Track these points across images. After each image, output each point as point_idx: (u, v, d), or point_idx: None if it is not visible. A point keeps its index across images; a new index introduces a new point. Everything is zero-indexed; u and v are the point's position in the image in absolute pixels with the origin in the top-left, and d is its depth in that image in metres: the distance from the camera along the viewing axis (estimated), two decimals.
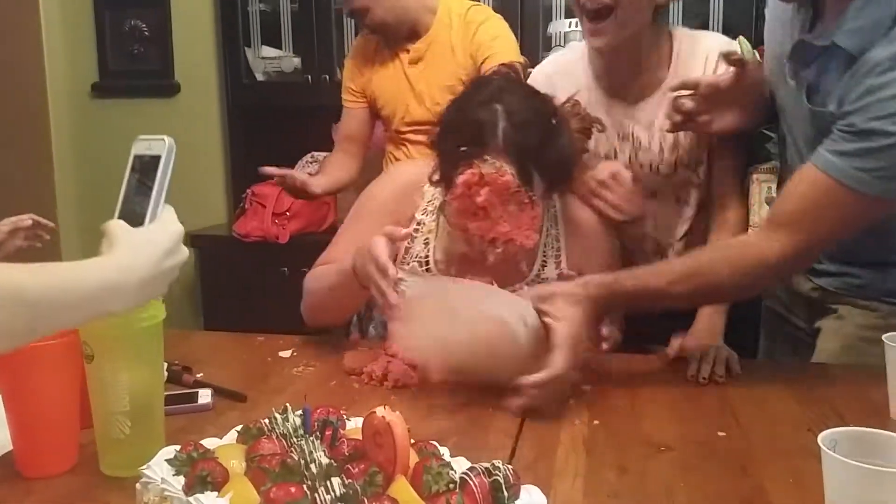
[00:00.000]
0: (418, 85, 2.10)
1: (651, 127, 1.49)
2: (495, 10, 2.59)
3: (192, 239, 2.78)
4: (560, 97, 1.39)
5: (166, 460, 0.78)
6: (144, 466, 0.79)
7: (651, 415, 1.14)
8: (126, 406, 0.93)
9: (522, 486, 0.73)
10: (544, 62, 1.65)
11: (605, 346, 1.25)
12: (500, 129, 1.25)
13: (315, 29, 2.76)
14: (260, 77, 2.91)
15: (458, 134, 1.30)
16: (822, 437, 0.76)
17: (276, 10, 2.83)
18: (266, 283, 2.62)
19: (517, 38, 2.55)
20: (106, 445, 0.96)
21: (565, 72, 1.55)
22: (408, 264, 1.45)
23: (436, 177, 1.36)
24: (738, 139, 1.46)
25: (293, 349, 1.42)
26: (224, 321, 2.55)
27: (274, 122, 2.91)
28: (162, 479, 0.76)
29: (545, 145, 1.27)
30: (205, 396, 1.18)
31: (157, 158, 0.84)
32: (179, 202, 2.86)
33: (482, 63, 2.03)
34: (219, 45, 2.97)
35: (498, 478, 0.68)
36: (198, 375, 1.29)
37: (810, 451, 0.83)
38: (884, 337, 1.11)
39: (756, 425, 1.09)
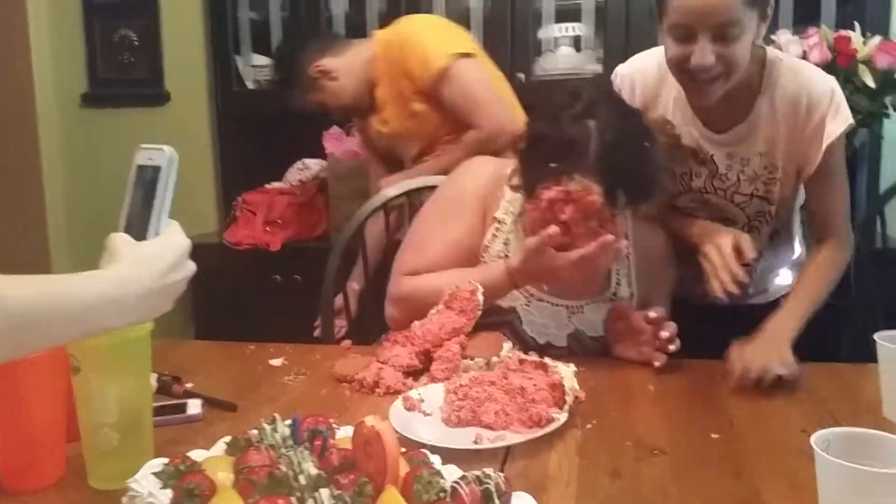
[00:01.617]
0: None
1: (732, 157, 1.46)
2: (486, 17, 2.62)
3: None
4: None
5: (153, 473, 0.77)
6: (131, 480, 0.78)
7: (644, 418, 1.13)
8: (113, 418, 0.93)
9: (514, 494, 0.72)
10: (627, 66, 1.56)
11: (672, 347, 1.29)
12: (591, 148, 1.24)
13: None
14: (250, 85, 2.90)
15: (548, 148, 1.28)
16: (815, 439, 0.76)
17: (265, 17, 2.83)
18: (258, 291, 2.61)
19: (508, 43, 2.57)
20: (93, 458, 0.95)
21: (650, 84, 1.49)
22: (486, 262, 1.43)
23: (515, 181, 1.35)
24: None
25: (284, 357, 1.41)
26: (216, 330, 2.53)
27: (264, 130, 2.90)
28: (149, 492, 0.75)
29: (636, 168, 1.26)
30: (194, 407, 1.17)
31: (158, 170, 0.82)
32: (171, 211, 2.86)
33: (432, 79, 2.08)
34: (208, 53, 2.96)
35: (489, 486, 0.68)
36: (188, 385, 1.28)
37: (804, 453, 0.82)
38: (875, 336, 1.11)
39: (749, 427, 1.08)
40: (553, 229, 1.24)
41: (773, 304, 1.45)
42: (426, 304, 1.36)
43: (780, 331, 1.32)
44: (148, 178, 0.82)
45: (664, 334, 1.30)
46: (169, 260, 0.79)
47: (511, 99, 2.19)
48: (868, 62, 2.13)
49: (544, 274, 1.31)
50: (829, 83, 1.42)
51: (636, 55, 1.57)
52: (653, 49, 1.51)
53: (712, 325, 1.39)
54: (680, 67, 1.33)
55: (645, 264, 1.46)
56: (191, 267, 0.83)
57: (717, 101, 1.37)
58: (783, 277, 1.64)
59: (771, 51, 1.46)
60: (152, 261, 0.78)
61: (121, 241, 0.79)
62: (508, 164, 1.40)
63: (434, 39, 2.10)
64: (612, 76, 1.56)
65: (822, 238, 1.46)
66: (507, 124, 1.99)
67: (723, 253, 1.32)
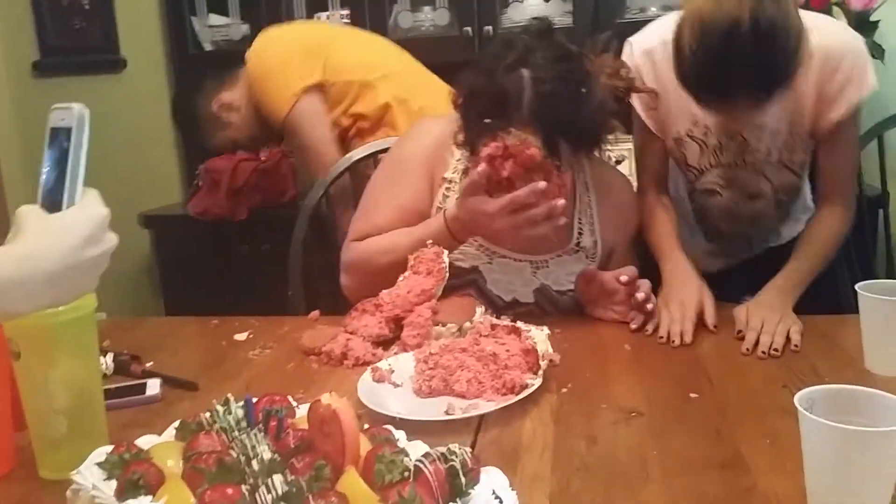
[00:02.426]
0: None
1: (760, 128, 1.40)
2: None
3: (146, 220, 2.68)
4: (665, 82, 1.34)
5: (97, 464, 0.72)
6: (74, 472, 0.73)
7: (621, 379, 1.10)
8: (61, 404, 0.88)
9: (483, 469, 0.68)
10: (644, 38, 1.43)
11: (649, 305, 1.26)
12: (525, 98, 1.20)
13: None
14: (208, 46, 2.80)
15: (482, 102, 1.24)
16: (799, 398, 0.72)
17: None
18: (226, 262, 2.54)
19: None
20: (43, 447, 0.90)
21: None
22: None
23: (460, 138, 1.32)
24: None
25: (250, 331, 1.36)
26: (186, 304, 2.47)
27: None
28: (93, 484, 0.69)
29: (573, 116, 1.22)
30: (153, 387, 1.12)
31: (69, 131, 0.74)
32: (132, 182, 2.78)
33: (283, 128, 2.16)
34: (163, 15, 2.84)
35: (454, 463, 0.63)
36: (147, 364, 1.22)
37: (786, 409, 0.79)
38: (857, 286, 1.08)
39: (729, 384, 1.05)
40: (482, 168, 1.20)
41: (785, 248, 1.45)
42: (375, 267, 1.36)
43: (787, 290, 1.32)
44: (60, 142, 0.73)
45: (640, 295, 1.27)
46: (83, 233, 0.70)
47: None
48: (842, 4, 2.09)
49: (479, 222, 1.25)
50: (853, 43, 1.35)
51: (654, 24, 1.44)
52: (664, 22, 1.38)
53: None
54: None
55: (608, 211, 1.44)
56: (111, 239, 0.74)
57: None
58: (792, 227, 1.59)
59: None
60: (64, 234, 0.69)
61: (28, 213, 0.69)
62: (456, 123, 1.34)
63: (276, 83, 2.13)
64: (626, 48, 1.44)
65: (827, 196, 1.44)
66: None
67: (684, 313, 1.27)
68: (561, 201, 1.21)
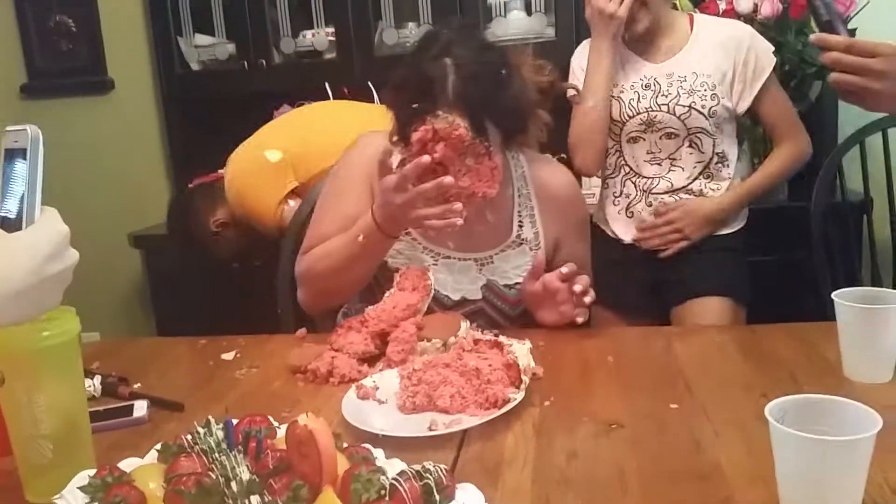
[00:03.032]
0: None
1: (671, 76, 1.79)
2: None
3: (135, 240, 2.70)
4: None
5: (79, 487, 0.73)
6: (56, 496, 0.74)
7: (603, 391, 1.11)
8: (46, 429, 0.88)
9: (458, 486, 0.69)
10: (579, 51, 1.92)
11: (587, 298, 1.30)
12: (449, 82, 1.26)
13: (248, 13, 2.66)
14: (195, 66, 2.82)
15: (409, 91, 1.30)
16: (770, 409, 0.73)
17: None
18: (217, 279, 2.55)
19: (457, 9, 2.51)
20: (28, 472, 0.90)
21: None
22: None
23: (395, 137, 1.35)
24: None
25: (237, 351, 1.37)
26: (177, 322, 2.49)
27: (213, 112, 2.82)
28: None
29: (495, 96, 1.28)
30: (140, 409, 1.13)
31: (24, 152, 0.75)
32: (121, 202, 2.79)
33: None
34: (150, 35, 2.86)
35: (429, 481, 0.64)
36: (135, 386, 1.23)
37: (764, 419, 0.79)
38: (833, 295, 1.09)
39: (709, 395, 1.06)
40: (425, 159, 1.23)
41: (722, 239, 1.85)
42: (318, 273, 1.40)
43: (724, 200, 1.81)
44: (15, 163, 0.74)
45: (577, 288, 1.29)
46: (45, 251, 0.71)
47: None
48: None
49: (386, 201, 1.27)
50: (746, 28, 1.84)
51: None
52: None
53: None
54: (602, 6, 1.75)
55: (548, 203, 1.47)
56: (72, 256, 0.75)
57: (651, 43, 1.82)
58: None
59: (698, 14, 1.94)
60: (26, 253, 0.70)
61: None
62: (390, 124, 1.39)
63: (259, 206, 2.21)
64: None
65: (778, 141, 1.85)
66: None
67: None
68: (448, 178, 1.23)
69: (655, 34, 1.81)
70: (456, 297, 1.42)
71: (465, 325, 1.29)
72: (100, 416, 1.08)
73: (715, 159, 1.81)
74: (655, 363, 1.20)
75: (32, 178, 0.73)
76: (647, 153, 1.82)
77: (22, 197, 0.72)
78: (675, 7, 1.90)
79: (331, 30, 2.64)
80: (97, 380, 1.23)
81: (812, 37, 1.14)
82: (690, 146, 1.80)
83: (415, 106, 1.26)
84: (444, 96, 1.25)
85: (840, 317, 1.08)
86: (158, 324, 2.75)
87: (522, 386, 1.06)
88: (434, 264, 1.42)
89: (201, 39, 2.78)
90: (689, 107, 1.76)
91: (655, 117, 1.78)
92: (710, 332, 1.30)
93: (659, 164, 1.82)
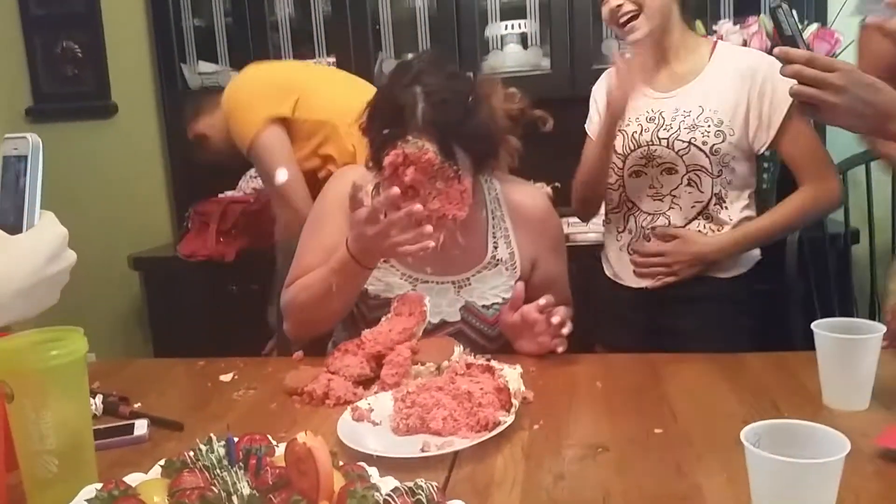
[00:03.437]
0: None
1: (676, 110, 1.67)
2: (432, 16, 2.62)
3: (135, 262, 2.73)
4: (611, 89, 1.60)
5: (87, 500, 0.76)
6: None
7: (590, 416, 1.14)
8: (52, 445, 0.91)
9: (449, 502, 0.73)
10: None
11: (564, 330, 1.34)
12: (419, 109, 1.31)
13: (251, 41, 2.73)
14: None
15: (382, 118, 1.36)
16: (745, 433, 0.77)
17: (210, 24, 2.80)
18: (215, 303, 2.58)
19: (455, 42, 2.58)
20: (34, 487, 0.93)
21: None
22: None
23: (370, 164, 1.40)
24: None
25: (235, 372, 1.40)
26: (174, 345, 2.51)
27: None
28: None
29: (463, 122, 1.34)
30: (140, 428, 1.16)
31: (24, 159, 0.79)
32: (123, 225, 2.83)
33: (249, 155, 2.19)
34: (154, 62, 2.93)
35: (421, 497, 0.68)
36: (136, 405, 1.26)
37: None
38: (812, 325, 1.13)
39: (692, 420, 1.10)
40: (394, 191, 1.27)
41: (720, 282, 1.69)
42: (300, 305, 1.45)
43: (729, 238, 1.66)
44: (16, 170, 0.78)
45: (555, 319, 1.33)
46: (46, 252, 0.76)
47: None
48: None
49: (359, 232, 1.31)
50: (765, 58, 1.65)
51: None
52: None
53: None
54: (610, 19, 1.64)
55: (522, 224, 1.52)
56: (70, 257, 0.80)
57: (663, 70, 1.70)
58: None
59: (723, 43, 1.78)
60: (29, 254, 0.75)
61: None
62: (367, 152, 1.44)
63: (244, 111, 2.17)
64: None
65: (801, 183, 1.65)
66: (302, 209, 2.01)
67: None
68: (417, 206, 1.28)
69: (668, 57, 1.69)
70: (435, 319, 1.45)
71: (458, 349, 1.32)
72: (101, 434, 1.11)
73: (714, 200, 1.66)
74: (642, 389, 1.24)
75: (33, 184, 0.77)
76: (649, 188, 1.70)
77: (23, 202, 0.76)
78: (693, 29, 1.75)
79: (332, 59, 2.71)
80: (98, 399, 1.26)
81: (776, 49, 1.16)
82: (689, 184, 1.66)
83: (386, 132, 1.33)
84: (413, 122, 1.31)
85: (819, 347, 1.12)
86: (155, 346, 2.77)
87: (513, 409, 1.09)
88: (413, 289, 1.46)
89: (205, 66, 2.84)
90: (689, 143, 1.64)
91: (655, 151, 1.68)
92: (695, 361, 1.34)
93: (660, 200, 1.70)
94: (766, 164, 2.31)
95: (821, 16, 2.43)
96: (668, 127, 1.66)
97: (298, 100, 2.16)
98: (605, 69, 1.77)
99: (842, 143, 2.51)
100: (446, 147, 1.31)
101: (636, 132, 1.70)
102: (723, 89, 1.64)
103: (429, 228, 1.29)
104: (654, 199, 1.70)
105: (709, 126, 1.63)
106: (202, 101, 2.39)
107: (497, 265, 1.49)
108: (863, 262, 2.21)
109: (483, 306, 1.47)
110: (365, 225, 1.28)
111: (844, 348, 1.09)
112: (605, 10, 1.65)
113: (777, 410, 1.11)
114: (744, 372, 1.28)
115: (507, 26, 2.62)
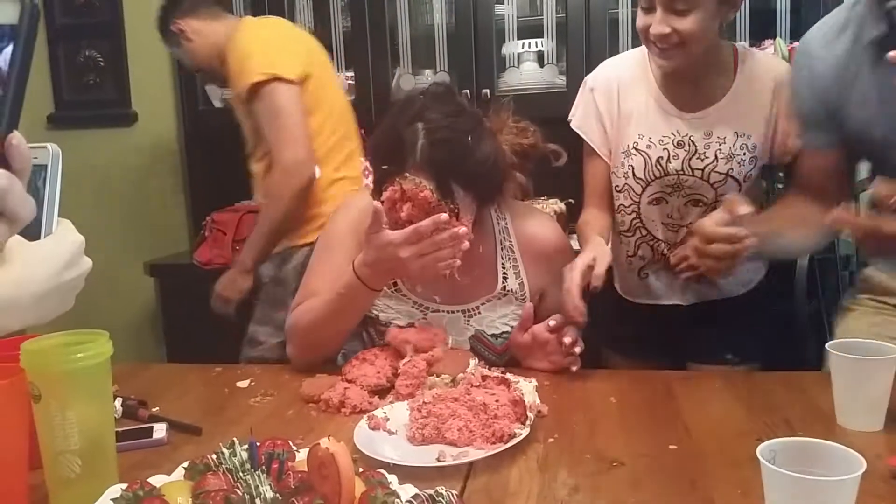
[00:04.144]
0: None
1: (709, 136, 1.55)
2: (450, 34, 2.65)
3: (151, 269, 2.76)
4: (622, 102, 1.56)
5: (112, 499, 0.78)
6: None
7: (605, 430, 1.15)
8: (75, 445, 0.92)
9: None
10: (606, 65, 1.69)
11: (577, 349, 1.34)
12: (418, 146, 1.31)
13: None
14: (217, 103, 2.91)
15: (383, 152, 1.37)
16: (761, 449, 0.78)
17: None
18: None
19: (472, 60, 2.60)
20: (56, 486, 0.95)
21: (628, 79, 1.63)
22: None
23: (375, 195, 1.41)
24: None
25: (251, 379, 1.42)
26: (187, 351, 2.51)
27: (232, 147, 2.89)
28: None
29: (463, 161, 1.33)
30: (160, 431, 1.17)
31: (44, 168, 0.81)
32: (140, 232, 2.87)
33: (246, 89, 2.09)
34: (175, 72, 2.97)
35: None
36: (154, 409, 1.28)
37: (758, 462, 0.84)
38: (827, 346, 1.14)
39: (706, 437, 1.11)
40: (379, 204, 1.29)
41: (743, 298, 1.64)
42: (302, 329, 1.44)
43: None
44: (35, 179, 0.80)
45: (567, 340, 1.34)
46: (63, 258, 0.78)
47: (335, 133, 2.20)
48: None
49: (387, 254, 1.30)
50: (784, 65, 1.58)
51: (608, 60, 1.71)
52: (625, 53, 1.69)
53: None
54: (644, 36, 1.49)
55: (532, 254, 1.51)
56: (85, 264, 0.81)
57: (689, 84, 1.55)
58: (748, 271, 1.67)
59: (742, 46, 1.64)
60: (47, 260, 0.76)
61: (13, 242, 0.76)
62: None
63: (259, 53, 2.10)
64: (585, 83, 1.67)
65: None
66: (303, 164, 2.02)
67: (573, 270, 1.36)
68: (463, 229, 1.29)
69: (697, 72, 1.54)
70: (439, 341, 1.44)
71: (473, 361, 1.33)
72: (121, 437, 1.12)
73: None
74: (656, 405, 1.25)
75: (52, 193, 0.79)
76: (668, 217, 1.61)
77: (41, 210, 0.78)
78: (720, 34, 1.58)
79: (350, 74, 2.74)
80: (118, 402, 1.27)
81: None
82: (708, 210, 1.54)
83: (384, 167, 1.34)
84: (412, 159, 1.30)
85: (833, 367, 1.13)
86: (169, 352, 2.79)
87: (528, 422, 1.10)
88: (423, 318, 1.47)
89: None
90: (727, 174, 1.54)
91: (686, 182, 1.56)
92: (710, 378, 1.35)
93: (675, 232, 1.61)
94: (778, 185, 2.31)
95: None
96: (703, 156, 1.55)
97: (305, 71, 2.12)
98: None
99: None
100: (444, 185, 1.31)
101: (661, 157, 1.57)
102: (754, 109, 1.54)
103: (466, 245, 1.29)
104: (670, 230, 1.62)
105: (744, 154, 1.54)
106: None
107: (506, 295, 1.48)
108: None
109: (492, 335, 1.48)
110: (399, 247, 1.28)
111: (859, 369, 1.10)
112: (644, 30, 1.49)
113: (790, 428, 1.12)
114: (756, 390, 1.29)
115: (524, 44, 2.65)
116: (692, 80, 1.55)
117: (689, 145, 1.56)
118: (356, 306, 1.40)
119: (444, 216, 1.27)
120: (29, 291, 0.74)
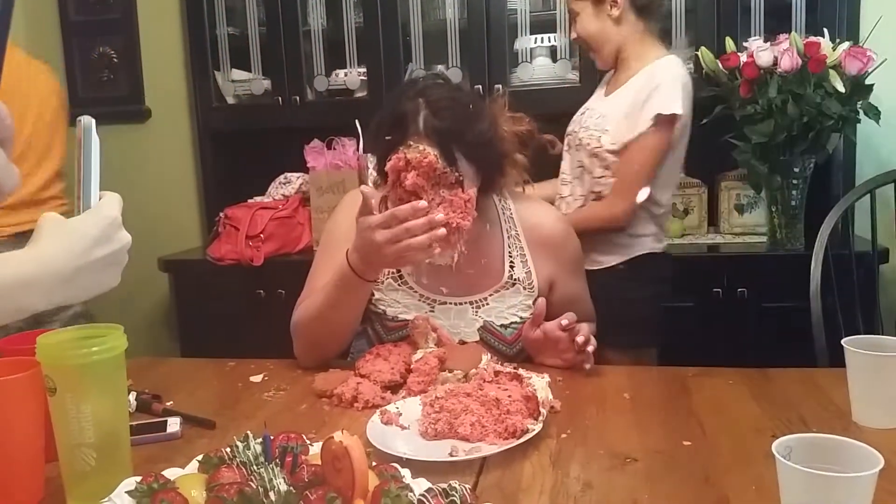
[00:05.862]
0: None
1: (596, 115, 1.99)
2: (462, 29, 2.65)
3: (165, 264, 2.77)
4: None
5: (127, 492, 0.78)
6: (105, 499, 0.79)
7: (618, 426, 1.14)
8: (91, 438, 0.93)
9: None
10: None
11: (590, 347, 1.34)
12: (421, 116, 1.33)
13: (284, 50, 2.77)
14: (230, 100, 2.92)
15: (385, 127, 1.38)
16: (777, 445, 0.78)
17: (244, 32, 2.84)
18: (242, 306, 2.61)
19: (485, 55, 2.60)
20: (71, 478, 0.95)
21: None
22: (382, 283, 1.47)
23: (378, 178, 1.42)
24: None
25: (264, 374, 1.42)
26: (200, 346, 2.54)
27: (246, 145, 2.91)
28: None
29: (465, 128, 1.35)
30: (173, 425, 1.18)
31: (78, 144, 0.80)
32: (152, 227, 2.87)
33: None
34: (188, 69, 2.98)
35: (455, 498, 0.69)
36: (168, 403, 1.29)
37: (772, 458, 0.84)
38: (843, 341, 1.13)
39: (721, 433, 1.10)
40: (421, 203, 1.27)
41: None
42: (304, 325, 1.44)
43: None
44: (79, 153, 0.80)
45: (580, 339, 1.33)
46: (94, 234, 0.75)
47: None
48: (838, 67, 2.16)
49: (365, 238, 1.29)
50: (668, 71, 1.93)
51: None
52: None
53: None
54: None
55: (539, 243, 1.51)
56: (122, 238, 0.79)
57: (615, 74, 2.07)
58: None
59: (667, 55, 2.01)
60: (76, 237, 0.74)
61: (47, 219, 0.76)
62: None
63: None
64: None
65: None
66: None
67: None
68: (440, 216, 1.28)
69: (617, 63, 2.04)
70: (455, 340, 1.45)
71: (485, 357, 1.33)
72: (135, 430, 1.13)
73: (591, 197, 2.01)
74: (670, 401, 1.24)
75: (87, 166, 0.77)
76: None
77: (81, 185, 0.77)
78: (661, 40, 2.05)
79: (363, 69, 2.74)
80: (132, 396, 1.28)
81: None
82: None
83: (388, 138, 1.35)
84: (415, 128, 1.33)
85: (850, 363, 1.12)
86: (182, 347, 2.81)
87: (541, 418, 1.10)
88: (431, 311, 1.47)
89: (238, 74, 2.89)
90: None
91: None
92: (724, 374, 1.34)
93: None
94: (794, 181, 2.31)
95: (853, 34, 2.42)
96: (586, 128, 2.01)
97: None
98: None
99: (869, 160, 2.51)
100: (448, 152, 1.31)
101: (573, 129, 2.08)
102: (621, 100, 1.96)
103: (441, 231, 1.27)
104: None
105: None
106: None
107: (514, 285, 1.48)
108: (890, 281, 2.18)
109: (501, 325, 1.47)
110: (375, 230, 1.27)
111: (876, 365, 1.09)
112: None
113: (805, 425, 1.11)
114: (770, 387, 1.28)
115: (536, 40, 2.64)
116: (615, 70, 2.10)
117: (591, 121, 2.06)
118: (352, 297, 1.39)
119: (423, 203, 1.27)
120: (52, 269, 0.73)
